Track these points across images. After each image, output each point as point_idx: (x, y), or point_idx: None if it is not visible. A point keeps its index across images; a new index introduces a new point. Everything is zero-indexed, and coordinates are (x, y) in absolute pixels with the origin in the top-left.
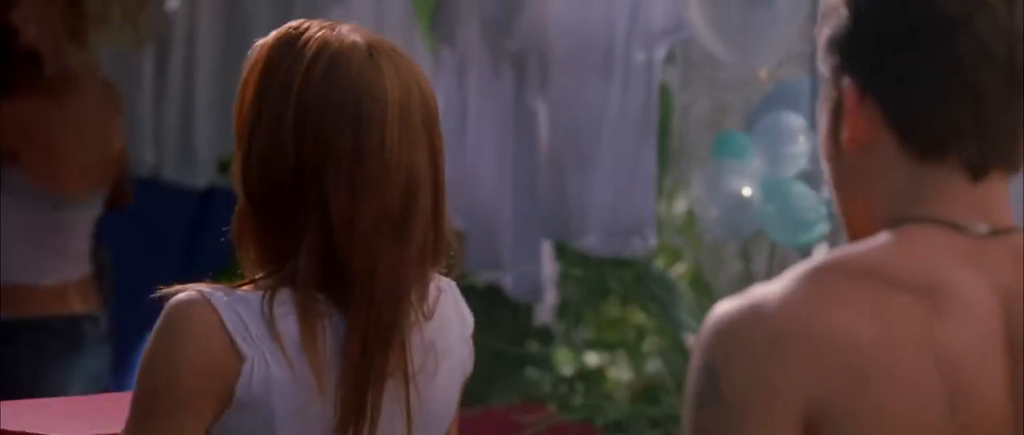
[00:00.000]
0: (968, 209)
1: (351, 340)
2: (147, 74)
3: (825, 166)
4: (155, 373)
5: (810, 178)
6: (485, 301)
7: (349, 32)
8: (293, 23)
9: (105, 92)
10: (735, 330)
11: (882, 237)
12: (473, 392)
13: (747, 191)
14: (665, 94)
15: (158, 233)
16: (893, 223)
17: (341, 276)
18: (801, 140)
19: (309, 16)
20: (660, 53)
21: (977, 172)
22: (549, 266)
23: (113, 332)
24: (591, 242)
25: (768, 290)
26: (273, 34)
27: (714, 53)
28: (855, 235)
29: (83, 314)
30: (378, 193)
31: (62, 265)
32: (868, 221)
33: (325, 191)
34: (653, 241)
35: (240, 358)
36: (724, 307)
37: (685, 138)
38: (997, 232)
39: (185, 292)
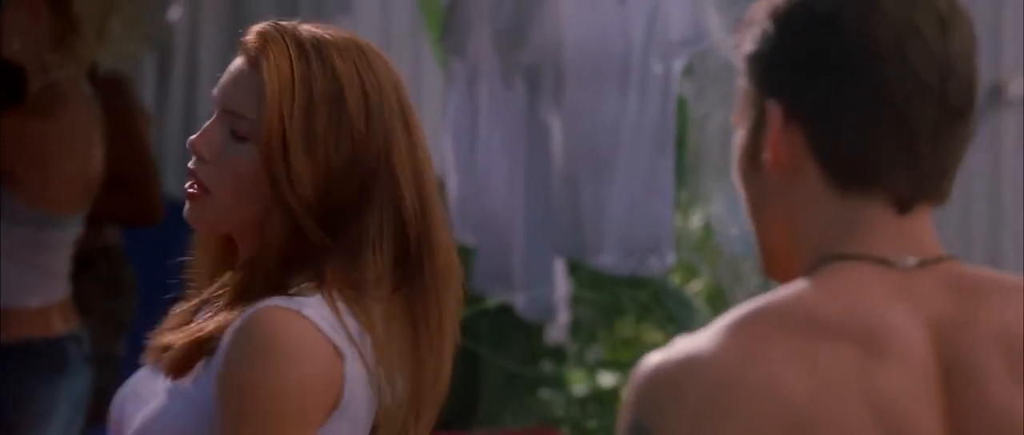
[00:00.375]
0: (896, 242)
1: (424, 338)
2: (148, 85)
3: (739, 184)
4: (273, 395)
5: None
6: (496, 321)
7: (321, 27)
8: (277, 24)
9: (90, 108)
10: (669, 382)
11: (810, 279)
12: (486, 413)
13: None
14: (681, 106)
15: (160, 248)
16: (819, 260)
17: (402, 269)
18: None
19: None
20: (678, 65)
21: (905, 206)
22: (562, 285)
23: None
24: (607, 261)
25: (698, 342)
26: (275, 42)
27: (734, 64)
28: (771, 260)
29: (66, 334)
30: (429, 183)
31: (47, 286)
32: (789, 249)
33: (396, 185)
34: (671, 259)
35: (341, 358)
36: (655, 359)
37: (701, 150)
38: (925, 263)
39: (260, 309)
